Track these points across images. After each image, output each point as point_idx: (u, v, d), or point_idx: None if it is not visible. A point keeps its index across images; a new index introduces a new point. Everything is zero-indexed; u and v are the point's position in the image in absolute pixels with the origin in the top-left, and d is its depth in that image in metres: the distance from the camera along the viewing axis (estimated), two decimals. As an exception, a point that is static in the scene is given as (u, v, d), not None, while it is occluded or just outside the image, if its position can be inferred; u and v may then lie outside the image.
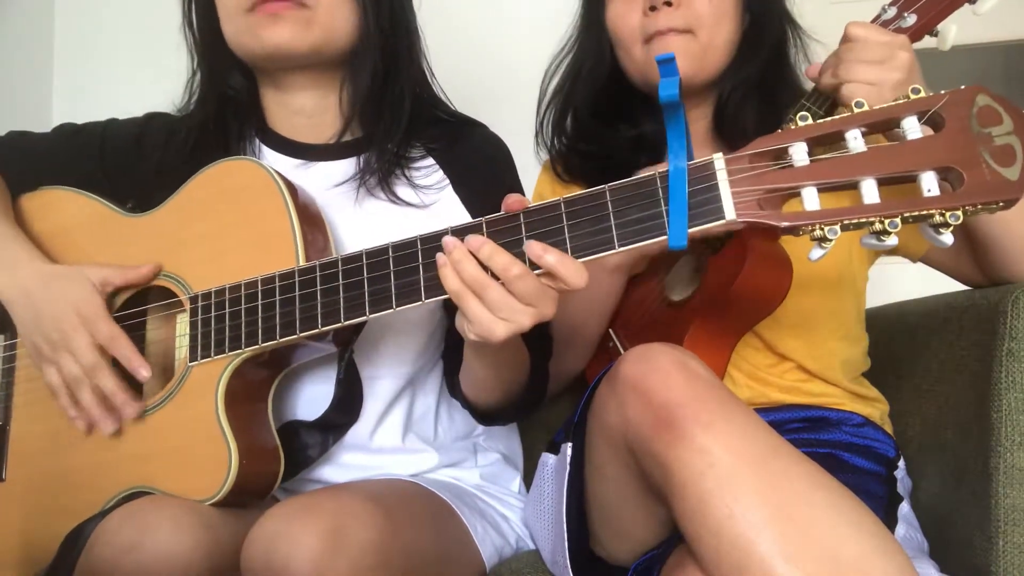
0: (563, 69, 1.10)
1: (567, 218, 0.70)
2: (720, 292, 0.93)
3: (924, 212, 0.60)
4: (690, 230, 0.66)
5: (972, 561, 0.85)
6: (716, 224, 0.65)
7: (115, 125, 1.04)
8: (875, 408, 1.01)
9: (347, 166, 0.98)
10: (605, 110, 1.07)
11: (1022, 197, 0.59)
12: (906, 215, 0.61)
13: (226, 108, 0.99)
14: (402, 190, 0.97)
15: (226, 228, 0.87)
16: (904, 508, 0.92)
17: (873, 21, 0.91)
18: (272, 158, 0.99)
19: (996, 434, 0.83)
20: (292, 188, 0.87)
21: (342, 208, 0.95)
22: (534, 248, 0.69)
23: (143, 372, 0.85)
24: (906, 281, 1.17)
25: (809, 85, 0.92)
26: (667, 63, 0.66)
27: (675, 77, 0.66)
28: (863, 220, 0.62)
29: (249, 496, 0.83)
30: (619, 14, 1.01)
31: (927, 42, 0.90)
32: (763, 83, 0.99)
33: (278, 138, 1.00)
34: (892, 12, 0.90)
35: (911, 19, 0.88)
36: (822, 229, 0.62)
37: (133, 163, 1.00)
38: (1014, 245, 0.89)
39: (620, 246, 0.68)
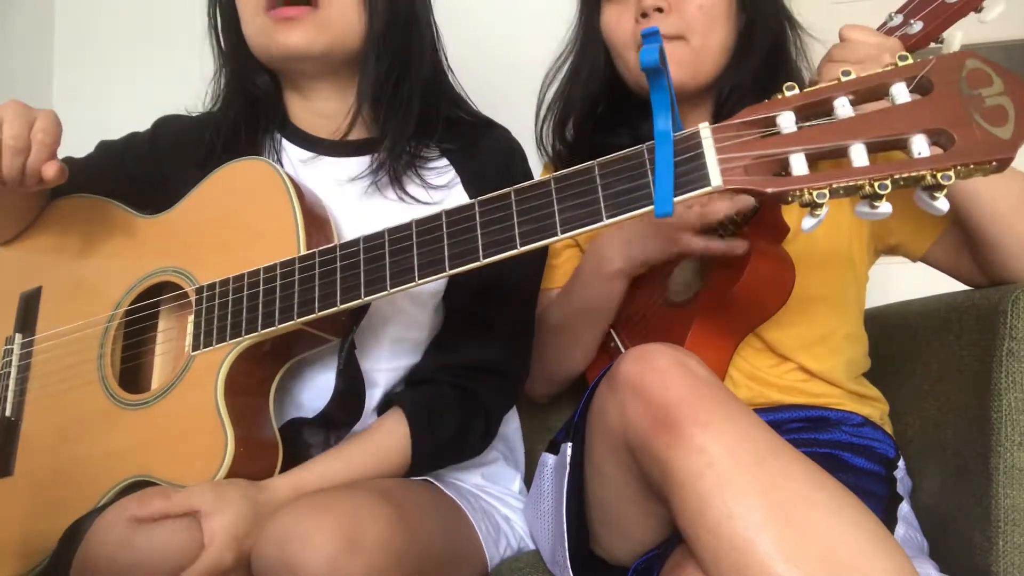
0: (561, 76, 1.11)
1: (556, 194, 0.70)
2: (723, 293, 0.93)
3: (914, 174, 0.59)
4: (676, 198, 0.65)
5: (972, 561, 0.85)
6: (703, 191, 0.64)
7: (135, 134, 1.08)
8: (875, 408, 1.01)
9: (360, 163, 0.99)
10: (603, 116, 1.08)
11: (1015, 156, 0.58)
12: (896, 177, 0.59)
13: (253, 107, 1.01)
14: (412, 188, 0.97)
15: (233, 225, 0.89)
16: (904, 508, 0.92)
17: (879, 28, 0.91)
18: (291, 151, 1.01)
19: (996, 434, 0.83)
20: (299, 189, 0.88)
21: (350, 203, 0.96)
22: None
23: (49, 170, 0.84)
24: (906, 281, 1.17)
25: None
26: (651, 35, 0.65)
27: (656, 45, 0.64)
28: (851, 183, 0.60)
29: None
30: (612, 21, 1.01)
31: (932, 48, 0.90)
32: (762, 84, 0.98)
33: (297, 132, 1.02)
34: (898, 19, 0.90)
35: (917, 26, 0.88)
36: (810, 194, 0.61)
37: (152, 169, 1.03)
38: (1014, 245, 0.89)
39: (608, 218, 0.67)
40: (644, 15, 0.96)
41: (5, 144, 0.83)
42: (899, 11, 0.90)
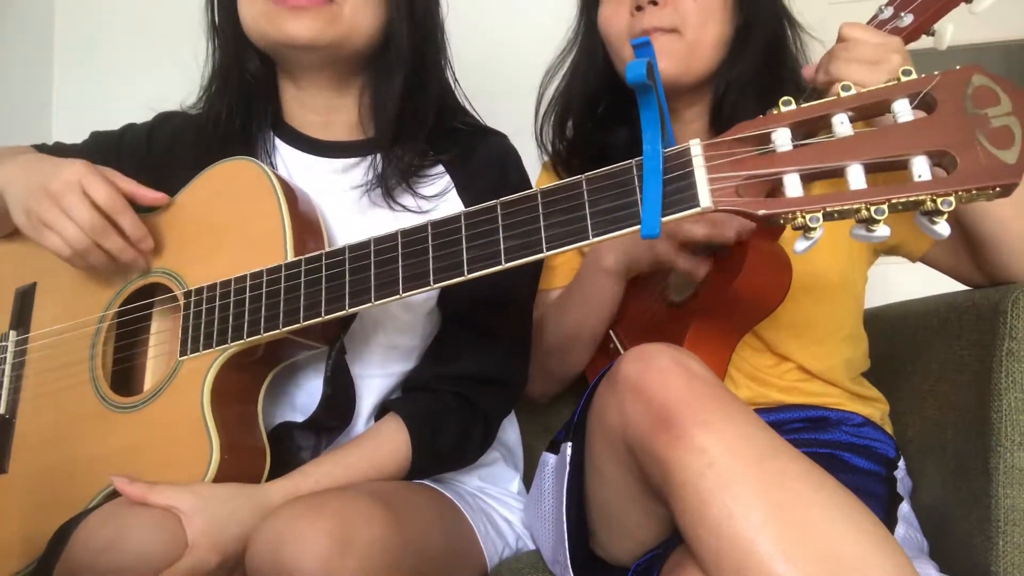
0: (562, 73, 1.11)
1: (543, 208, 0.69)
2: (720, 293, 0.93)
3: (913, 198, 0.56)
4: (664, 219, 0.63)
5: (972, 561, 0.85)
6: (691, 212, 0.63)
7: (132, 129, 1.06)
8: (875, 408, 1.01)
9: (356, 168, 0.97)
10: (604, 113, 1.07)
11: (1020, 182, 0.55)
12: (893, 201, 0.57)
13: (245, 97, 0.98)
14: (404, 198, 0.96)
15: (222, 227, 0.88)
16: (904, 508, 0.92)
17: (870, 21, 0.90)
18: (285, 152, 0.99)
19: (996, 434, 0.83)
20: (290, 191, 0.87)
21: (344, 205, 0.95)
22: None
23: (148, 194, 0.89)
24: (906, 281, 1.17)
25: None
26: (642, 46, 0.64)
27: (646, 59, 0.62)
28: (847, 207, 0.58)
29: None
30: (609, 15, 1.01)
31: (924, 42, 0.90)
32: (760, 82, 0.98)
33: (292, 132, 1.00)
34: (889, 12, 0.89)
35: (908, 19, 0.88)
36: (803, 217, 0.59)
37: (147, 164, 1.01)
38: (1012, 245, 0.89)
39: (594, 236, 0.66)
40: (639, 8, 0.96)
41: (92, 234, 0.85)
42: (889, 3, 0.90)
